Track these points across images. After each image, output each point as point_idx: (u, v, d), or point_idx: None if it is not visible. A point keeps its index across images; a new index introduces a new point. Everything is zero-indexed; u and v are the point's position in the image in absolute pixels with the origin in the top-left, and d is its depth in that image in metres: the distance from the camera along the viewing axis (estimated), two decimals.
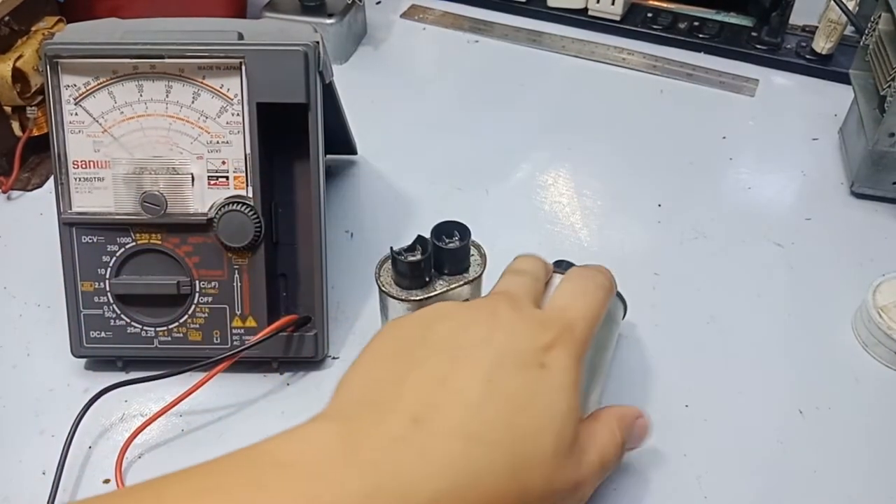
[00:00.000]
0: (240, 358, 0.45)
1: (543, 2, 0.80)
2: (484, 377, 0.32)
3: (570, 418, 0.33)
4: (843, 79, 0.68)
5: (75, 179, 0.46)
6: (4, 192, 0.60)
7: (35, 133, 0.60)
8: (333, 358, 0.50)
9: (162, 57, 0.44)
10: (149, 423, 0.44)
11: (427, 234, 0.44)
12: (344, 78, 0.55)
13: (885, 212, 0.61)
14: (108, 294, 0.47)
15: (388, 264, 0.45)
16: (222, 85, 0.45)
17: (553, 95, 0.72)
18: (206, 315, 0.47)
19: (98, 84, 0.45)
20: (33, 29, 0.60)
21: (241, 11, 0.74)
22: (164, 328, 0.47)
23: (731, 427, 0.46)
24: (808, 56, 0.74)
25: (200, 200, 0.46)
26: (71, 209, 0.46)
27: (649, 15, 0.79)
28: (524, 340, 0.35)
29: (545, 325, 0.36)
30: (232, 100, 0.45)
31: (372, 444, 0.30)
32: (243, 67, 0.44)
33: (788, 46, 0.75)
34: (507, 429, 0.31)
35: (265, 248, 0.46)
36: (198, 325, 0.47)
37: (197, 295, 0.47)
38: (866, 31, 0.62)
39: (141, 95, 0.45)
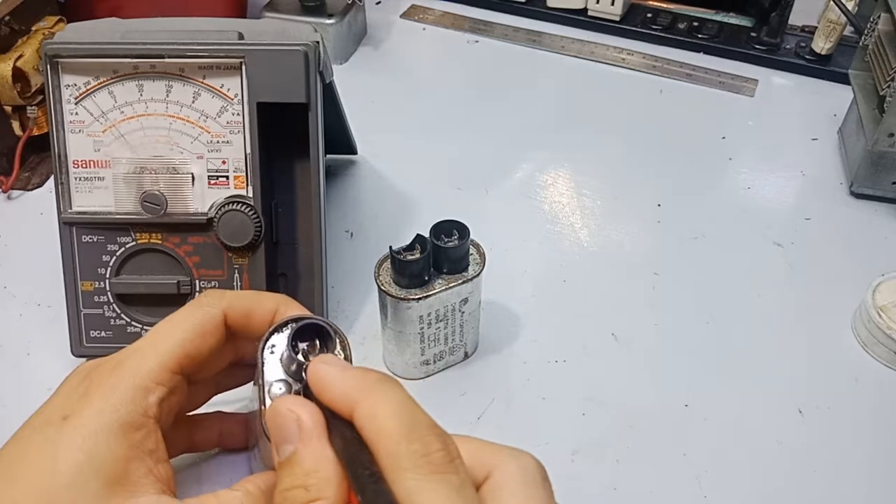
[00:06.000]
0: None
1: (543, 2, 0.80)
2: None
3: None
4: (843, 79, 0.68)
5: (75, 179, 0.46)
6: (4, 191, 0.60)
7: (35, 133, 0.60)
8: None
9: (162, 57, 0.44)
10: None
11: (426, 234, 0.44)
12: (344, 78, 0.55)
13: (885, 212, 0.61)
14: (109, 293, 0.47)
15: (388, 263, 0.45)
16: (222, 85, 0.45)
17: (553, 95, 0.72)
18: None
19: (98, 84, 0.45)
20: (34, 28, 0.60)
21: (241, 11, 0.74)
22: None
23: (731, 427, 0.46)
24: (807, 56, 0.74)
25: (200, 200, 0.46)
26: (71, 209, 0.46)
27: (649, 15, 0.79)
28: None
29: None
30: (232, 99, 0.45)
31: None
32: (243, 67, 0.44)
33: (788, 47, 0.75)
34: None
35: (265, 248, 0.47)
36: None
37: (197, 294, 0.47)
38: (865, 32, 0.62)
39: (141, 95, 0.45)
